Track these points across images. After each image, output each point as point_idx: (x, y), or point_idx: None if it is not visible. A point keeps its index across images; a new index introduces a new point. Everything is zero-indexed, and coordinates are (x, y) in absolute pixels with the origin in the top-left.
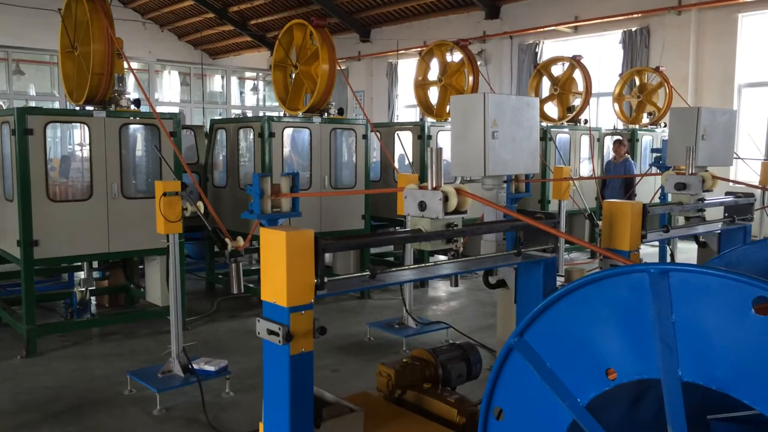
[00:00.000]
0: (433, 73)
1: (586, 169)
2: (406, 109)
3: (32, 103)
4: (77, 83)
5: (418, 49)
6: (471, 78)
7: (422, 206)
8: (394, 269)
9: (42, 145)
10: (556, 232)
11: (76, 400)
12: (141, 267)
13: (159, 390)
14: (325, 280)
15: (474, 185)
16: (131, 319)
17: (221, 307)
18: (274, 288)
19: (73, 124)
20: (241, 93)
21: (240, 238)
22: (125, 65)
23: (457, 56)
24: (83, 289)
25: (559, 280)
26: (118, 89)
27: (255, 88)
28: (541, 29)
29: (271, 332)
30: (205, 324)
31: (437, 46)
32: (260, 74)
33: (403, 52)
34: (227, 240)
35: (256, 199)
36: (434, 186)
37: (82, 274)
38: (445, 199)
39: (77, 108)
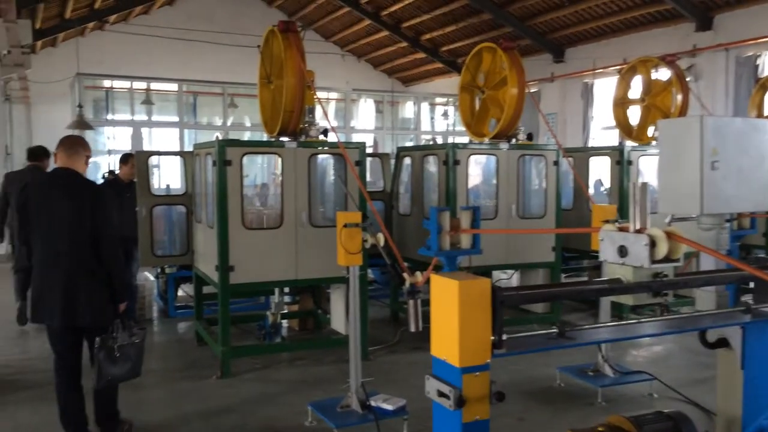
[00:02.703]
0: (634, 92)
1: None
2: (603, 132)
3: (246, 134)
4: (271, 115)
5: (618, 67)
6: (679, 97)
7: (623, 252)
8: (587, 326)
9: (239, 176)
10: None
11: (260, 427)
12: (329, 290)
13: (337, 426)
14: (504, 337)
15: (688, 224)
16: (317, 346)
17: (404, 337)
18: (445, 344)
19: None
20: (432, 118)
21: (418, 274)
22: (336, 95)
23: (662, 73)
24: (275, 313)
25: None
26: (309, 120)
27: (445, 114)
28: (764, 39)
29: (441, 394)
30: (387, 354)
31: (641, 63)
32: (450, 99)
33: (600, 71)
34: (405, 275)
35: (434, 234)
36: (638, 228)
37: (275, 297)
38: (652, 244)
39: (272, 139)
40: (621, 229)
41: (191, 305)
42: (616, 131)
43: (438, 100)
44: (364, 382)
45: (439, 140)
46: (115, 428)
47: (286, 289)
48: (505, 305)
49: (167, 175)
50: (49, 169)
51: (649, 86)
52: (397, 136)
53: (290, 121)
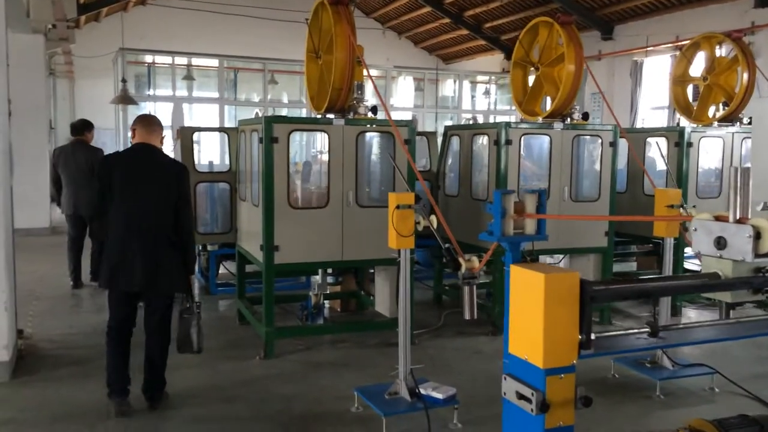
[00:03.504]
0: (693, 69)
1: None
2: (652, 112)
3: (284, 111)
4: (318, 91)
5: (670, 44)
6: (745, 75)
7: (721, 244)
8: (681, 325)
9: (286, 153)
10: None
11: (305, 411)
12: (371, 271)
13: (385, 413)
14: (593, 336)
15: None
16: (362, 328)
17: (448, 321)
18: (527, 342)
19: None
20: (473, 97)
21: (475, 259)
22: (365, 73)
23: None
24: (317, 293)
25: None
26: (357, 96)
27: (487, 92)
28: None
29: (521, 397)
30: (431, 339)
31: (704, 39)
32: (492, 78)
33: (651, 48)
34: (461, 260)
35: (497, 219)
36: (738, 218)
37: (317, 278)
38: (756, 235)
39: (318, 116)
40: (717, 219)
41: (232, 283)
42: (666, 112)
43: (479, 78)
44: (413, 369)
45: (480, 119)
46: (161, 397)
47: (329, 270)
48: (595, 301)
49: (207, 152)
50: (92, 143)
51: (713, 64)
52: (436, 114)
53: (338, 97)
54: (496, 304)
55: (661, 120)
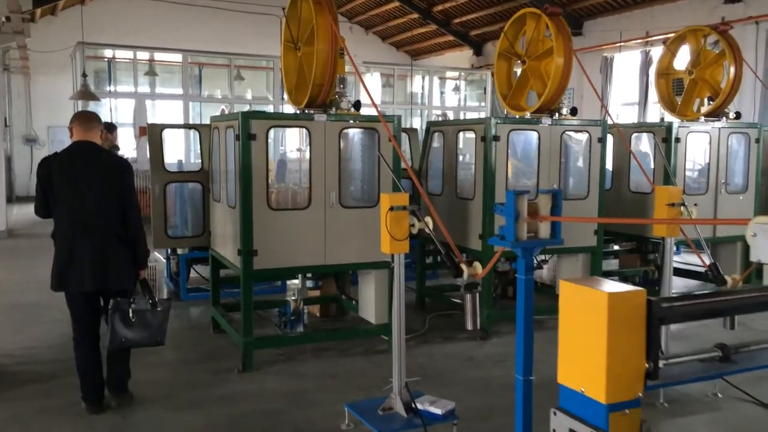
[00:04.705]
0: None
1: None
2: (622, 108)
3: (246, 107)
4: (297, 85)
5: (639, 40)
6: (732, 69)
7: None
8: (754, 346)
9: (264, 151)
10: None
11: (293, 430)
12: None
13: (380, 431)
14: (660, 364)
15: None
16: (346, 336)
17: (433, 325)
18: (583, 372)
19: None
20: (442, 93)
21: (478, 265)
22: (347, 67)
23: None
24: (297, 298)
25: None
26: (339, 91)
27: (456, 88)
28: None
29: None
30: (418, 345)
31: (690, 32)
32: (462, 74)
33: (622, 44)
34: (463, 266)
35: (510, 222)
36: None
37: (295, 281)
38: None
39: (297, 111)
40: None
41: (203, 287)
42: (636, 108)
43: (448, 74)
44: (408, 382)
45: (450, 115)
46: (125, 392)
47: (309, 274)
48: (664, 323)
49: (172, 150)
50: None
51: (698, 58)
52: (406, 111)
53: (320, 92)
54: (485, 307)
55: (631, 116)
